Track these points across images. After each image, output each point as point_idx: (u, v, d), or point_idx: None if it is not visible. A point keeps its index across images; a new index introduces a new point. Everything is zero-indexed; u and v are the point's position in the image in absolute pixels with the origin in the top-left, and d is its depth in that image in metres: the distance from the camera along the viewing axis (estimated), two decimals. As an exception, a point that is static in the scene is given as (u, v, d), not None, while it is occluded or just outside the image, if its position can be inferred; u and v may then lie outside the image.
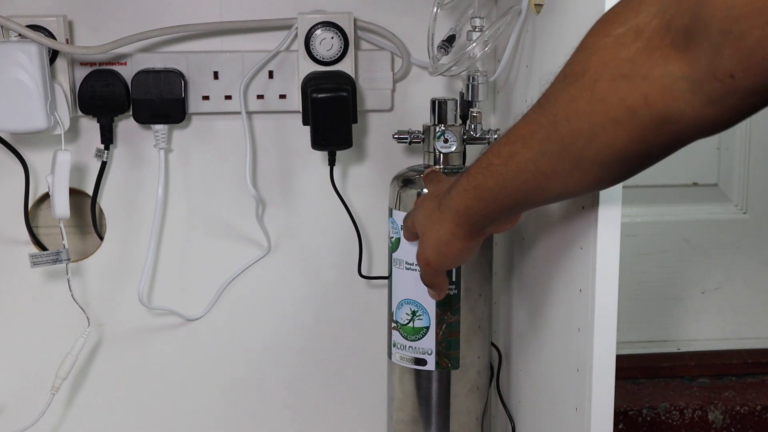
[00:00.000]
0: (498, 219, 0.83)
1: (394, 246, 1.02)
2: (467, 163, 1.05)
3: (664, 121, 0.64)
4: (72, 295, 1.11)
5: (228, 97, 1.13)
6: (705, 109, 0.60)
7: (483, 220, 0.83)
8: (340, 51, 1.10)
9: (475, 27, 1.01)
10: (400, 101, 1.17)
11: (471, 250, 0.87)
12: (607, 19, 0.66)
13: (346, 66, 1.11)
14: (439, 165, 1.03)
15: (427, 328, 1.01)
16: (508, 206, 0.80)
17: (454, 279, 1.01)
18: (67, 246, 1.10)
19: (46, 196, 1.15)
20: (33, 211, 1.17)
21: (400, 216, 1.01)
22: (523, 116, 0.74)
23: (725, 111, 0.60)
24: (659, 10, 0.62)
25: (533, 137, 0.72)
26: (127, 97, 1.10)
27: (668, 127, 0.64)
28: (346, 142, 1.08)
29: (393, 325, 1.03)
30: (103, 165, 1.13)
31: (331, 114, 1.06)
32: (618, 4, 0.67)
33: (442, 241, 0.86)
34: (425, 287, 0.95)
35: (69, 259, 1.11)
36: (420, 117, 1.09)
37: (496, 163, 0.76)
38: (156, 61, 1.12)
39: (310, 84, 1.07)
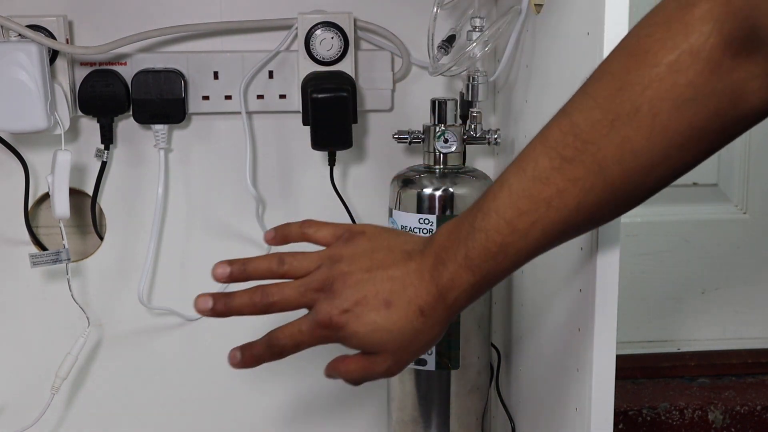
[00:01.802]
0: None
1: (394, 246, 1.01)
2: (467, 163, 1.05)
3: (736, 122, 0.64)
4: (72, 295, 1.11)
5: (228, 97, 1.13)
6: None
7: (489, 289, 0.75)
8: (340, 51, 1.10)
9: (475, 27, 1.01)
10: (400, 101, 1.17)
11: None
12: (647, 50, 0.63)
13: (346, 66, 1.11)
14: (440, 165, 1.03)
15: (427, 328, 1.01)
16: (526, 262, 0.73)
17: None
18: (67, 246, 1.10)
19: (46, 196, 1.15)
20: (33, 211, 1.17)
21: (400, 216, 1.01)
22: (533, 178, 0.67)
23: None
24: (714, 29, 0.61)
25: (564, 195, 0.66)
26: (127, 97, 1.10)
27: (739, 125, 0.64)
28: (346, 142, 1.08)
29: (393, 325, 1.03)
30: (103, 165, 1.14)
31: (331, 114, 1.06)
32: (651, 32, 0.64)
33: (434, 339, 0.75)
34: None
35: (69, 259, 1.11)
36: (420, 117, 1.09)
37: (511, 241, 0.69)
38: (156, 61, 1.12)
39: (310, 84, 1.07)
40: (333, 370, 0.76)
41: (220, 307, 0.75)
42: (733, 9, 0.60)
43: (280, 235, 0.80)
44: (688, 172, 0.68)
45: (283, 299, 0.74)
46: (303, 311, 0.75)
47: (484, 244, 0.69)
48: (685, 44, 0.62)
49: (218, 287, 1.18)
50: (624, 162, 0.65)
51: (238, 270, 0.76)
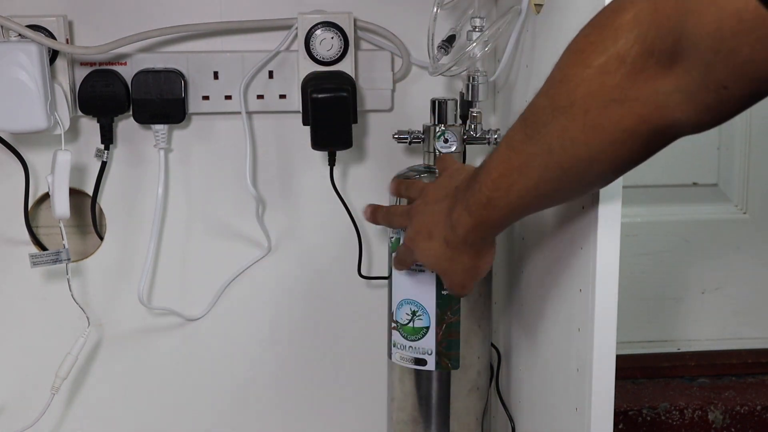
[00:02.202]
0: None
1: (394, 246, 1.02)
2: (467, 163, 1.05)
3: (663, 131, 0.66)
4: (72, 295, 1.11)
5: (228, 97, 1.13)
6: (701, 115, 0.63)
7: (496, 234, 0.86)
8: (340, 51, 1.10)
9: (475, 27, 1.01)
10: (400, 101, 1.17)
11: (495, 251, 0.89)
12: (583, 50, 0.67)
13: (346, 66, 1.10)
14: (439, 165, 1.03)
15: (427, 328, 1.01)
16: (517, 219, 0.83)
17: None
18: (67, 246, 1.10)
19: (46, 196, 1.15)
20: (33, 211, 1.17)
21: (400, 216, 1.01)
22: (509, 146, 0.75)
23: (720, 114, 0.62)
24: (638, 36, 0.63)
25: (529, 167, 0.73)
26: (127, 97, 1.10)
27: (667, 135, 0.66)
28: (346, 142, 1.08)
29: (393, 325, 1.03)
30: (103, 165, 1.13)
31: (331, 114, 1.06)
32: (588, 33, 0.67)
33: (470, 267, 0.87)
34: (425, 287, 0.95)
35: (69, 259, 1.11)
36: (420, 117, 1.09)
37: (496, 197, 0.77)
38: (156, 61, 1.12)
39: (310, 84, 1.07)
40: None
41: (370, 210, 0.99)
42: (659, 18, 0.61)
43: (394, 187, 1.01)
44: (631, 168, 0.71)
45: (392, 220, 0.97)
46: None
47: (478, 195, 0.79)
48: (612, 49, 0.64)
49: (218, 285, 1.19)
50: (566, 149, 0.70)
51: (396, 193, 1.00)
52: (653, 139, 0.67)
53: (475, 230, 0.82)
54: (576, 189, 0.76)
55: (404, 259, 0.96)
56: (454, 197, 0.84)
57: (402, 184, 0.99)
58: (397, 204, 1.00)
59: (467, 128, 1.04)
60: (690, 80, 0.61)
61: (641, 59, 0.63)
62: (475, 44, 1.00)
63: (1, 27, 1.04)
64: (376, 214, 0.99)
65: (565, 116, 0.68)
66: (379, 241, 1.19)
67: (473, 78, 1.03)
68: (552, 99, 0.70)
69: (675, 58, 0.61)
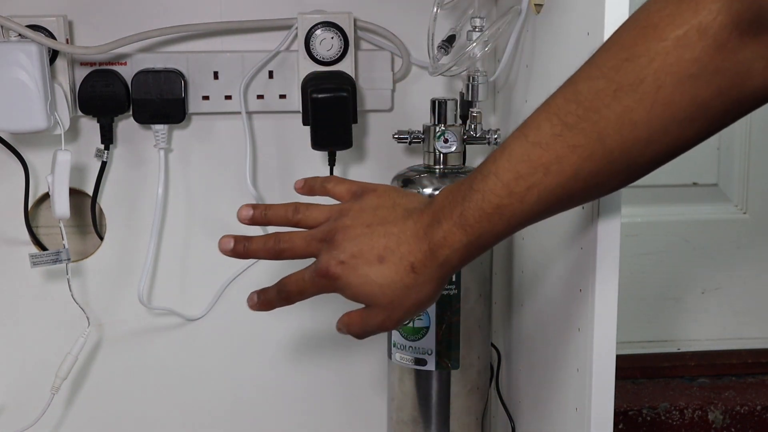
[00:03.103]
0: None
1: (394, 246, 1.01)
2: (467, 163, 1.05)
3: (741, 102, 0.64)
4: (72, 295, 1.11)
5: (228, 97, 1.13)
6: None
7: (482, 253, 0.76)
8: (340, 51, 1.10)
9: (475, 27, 1.01)
10: (400, 101, 1.17)
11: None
12: (656, 24, 0.64)
13: (346, 66, 1.10)
14: (440, 165, 1.03)
15: (427, 328, 1.01)
16: (518, 230, 0.74)
17: (454, 279, 1.00)
18: (67, 246, 1.10)
19: (46, 196, 1.15)
20: (33, 211, 1.17)
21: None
22: (534, 143, 0.68)
23: None
24: (722, 7, 0.62)
25: (563, 162, 0.67)
26: (127, 97, 1.10)
27: (744, 106, 0.65)
28: (346, 143, 1.08)
29: (393, 325, 1.03)
30: (103, 165, 1.13)
31: (331, 114, 1.06)
32: (662, 6, 0.65)
33: (428, 299, 0.76)
34: None
35: (69, 259, 1.11)
36: (420, 117, 1.09)
37: (507, 203, 0.70)
38: (156, 61, 1.12)
39: (310, 84, 1.07)
40: (339, 323, 0.80)
41: (240, 248, 0.81)
42: None
43: (308, 186, 0.87)
44: (685, 150, 0.68)
45: (292, 247, 0.79)
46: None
47: (480, 204, 0.71)
48: (694, 20, 0.62)
49: (218, 285, 1.19)
50: (623, 132, 0.66)
51: (259, 214, 0.83)
52: (728, 112, 0.65)
53: (466, 250, 0.73)
54: (609, 183, 0.70)
55: (310, 292, 0.79)
56: (431, 214, 0.74)
57: (330, 180, 0.85)
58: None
59: (467, 128, 1.04)
60: None
61: (725, 31, 0.62)
62: (475, 44, 1.00)
63: (1, 27, 1.04)
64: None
65: (632, 96, 0.64)
66: (379, 241, 1.19)
67: (473, 78, 1.03)
68: (613, 79, 0.65)
69: (759, 27, 0.61)
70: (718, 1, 0.62)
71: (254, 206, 0.83)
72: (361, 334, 0.79)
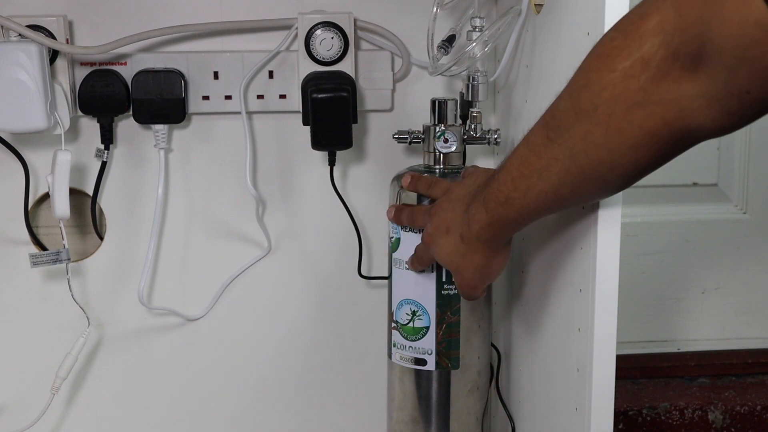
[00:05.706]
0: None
1: (394, 246, 1.02)
2: (467, 163, 1.05)
3: (685, 135, 0.67)
4: (72, 295, 1.11)
5: (228, 97, 1.13)
6: (722, 120, 0.64)
7: (510, 235, 0.87)
8: (340, 51, 1.10)
9: (475, 27, 1.01)
10: (400, 101, 1.17)
11: (509, 254, 0.91)
12: (608, 54, 0.68)
13: (346, 66, 1.11)
14: (440, 165, 1.03)
15: (427, 328, 1.01)
16: (532, 221, 0.83)
17: (454, 279, 1.01)
18: (67, 246, 1.10)
19: (46, 196, 1.15)
20: (33, 211, 1.17)
21: (400, 216, 1.01)
22: (529, 149, 0.76)
23: (741, 119, 0.65)
24: (663, 41, 0.64)
25: (549, 170, 0.74)
26: (127, 97, 1.10)
27: (688, 139, 0.68)
28: (346, 142, 1.08)
29: (393, 325, 1.03)
30: (103, 165, 1.14)
31: (331, 114, 1.06)
32: (613, 37, 0.68)
33: (482, 266, 0.88)
34: (425, 287, 0.95)
35: (69, 259, 1.11)
36: (420, 117, 1.09)
37: (515, 196, 0.78)
38: (156, 61, 1.12)
39: (310, 84, 1.07)
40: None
41: (394, 210, 0.99)
42: (684, 24, 0.63)
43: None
44: (651, 171, 0.72)
45: (418, 219, 0.96)
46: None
47: (495, 193, 0.80)
48: (637, 53, 0.66)
49: (218, 285, 1.19)
50: (588, 153, 0.71)
51: (413, 182, 1.00)
52: (674, 143, 0.68)
53: (490, 227, 0.83)
54: (594, 193, 0.77)
55: (421, 257, 0.97)
56: (474, 195, 0.86)
57: (422, 180, 0.99)
58: (404, 203, 1.01)
59: (467, 128, 1.04)
60: (713, 85, 0.62)
61: (666, 63, 0.64)
62: (475, 44, 1.00)
63: (1, 27, 1.04)
64: (399, 214, 0.99)
65: (589, 120, 0.69)
66: (379, 241, 1.19)
67: (473, 78, 1.03)
68: (575, 103, 0.70)
69: (699, 63, 0.62)
70: (660, 34, 0.64)
71: (412, 175, 0.99)
72: (464, 295, 0.94)
